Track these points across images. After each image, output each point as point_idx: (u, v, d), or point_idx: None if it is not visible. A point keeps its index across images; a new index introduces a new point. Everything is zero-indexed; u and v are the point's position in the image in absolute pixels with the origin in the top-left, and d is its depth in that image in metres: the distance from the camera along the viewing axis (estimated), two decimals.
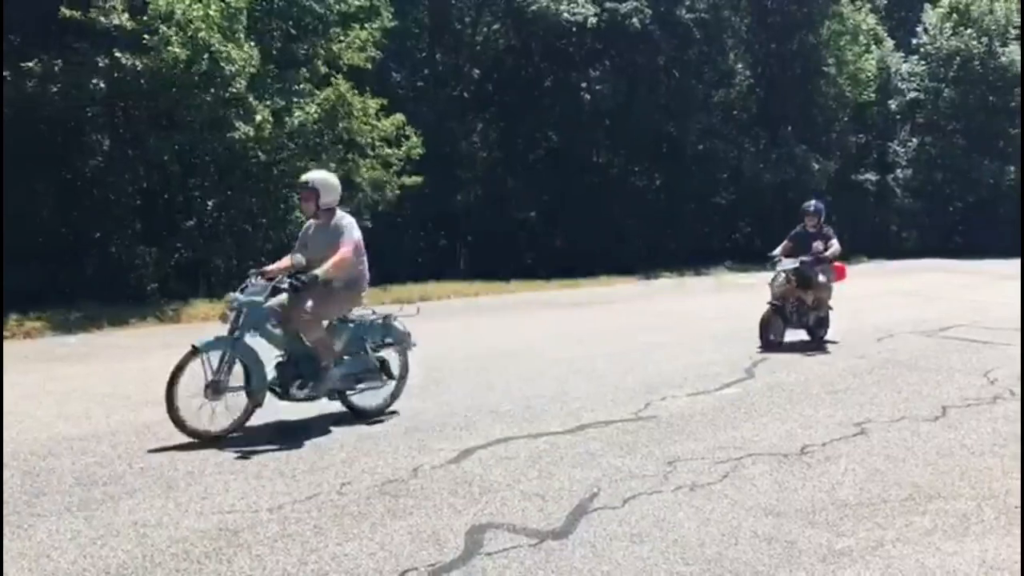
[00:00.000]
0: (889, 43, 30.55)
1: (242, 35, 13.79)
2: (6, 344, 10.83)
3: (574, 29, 20.25)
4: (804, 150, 25.49)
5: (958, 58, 29.61)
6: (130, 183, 14.19)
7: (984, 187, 30.11)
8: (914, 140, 30.84)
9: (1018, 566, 4.20)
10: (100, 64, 13.06)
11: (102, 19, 12.80)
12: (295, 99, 14.62)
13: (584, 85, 21.31)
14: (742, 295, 16.27)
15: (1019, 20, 30.05)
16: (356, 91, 15.27)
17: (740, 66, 25.21)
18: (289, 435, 6.19)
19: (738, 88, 25.60)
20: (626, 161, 23.99)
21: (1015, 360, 9.47)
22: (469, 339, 10.63)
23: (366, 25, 15.81)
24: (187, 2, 13.12)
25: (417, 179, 16.35)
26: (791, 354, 9.63)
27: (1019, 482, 5.37)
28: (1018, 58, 29.67)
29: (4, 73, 12.93)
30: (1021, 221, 17.68)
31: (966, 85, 29.69)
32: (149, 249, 14.26)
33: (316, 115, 14.57)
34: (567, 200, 22.86)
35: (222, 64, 13.17)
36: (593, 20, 20.02)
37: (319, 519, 4.62)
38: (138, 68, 12.94)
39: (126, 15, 12.94)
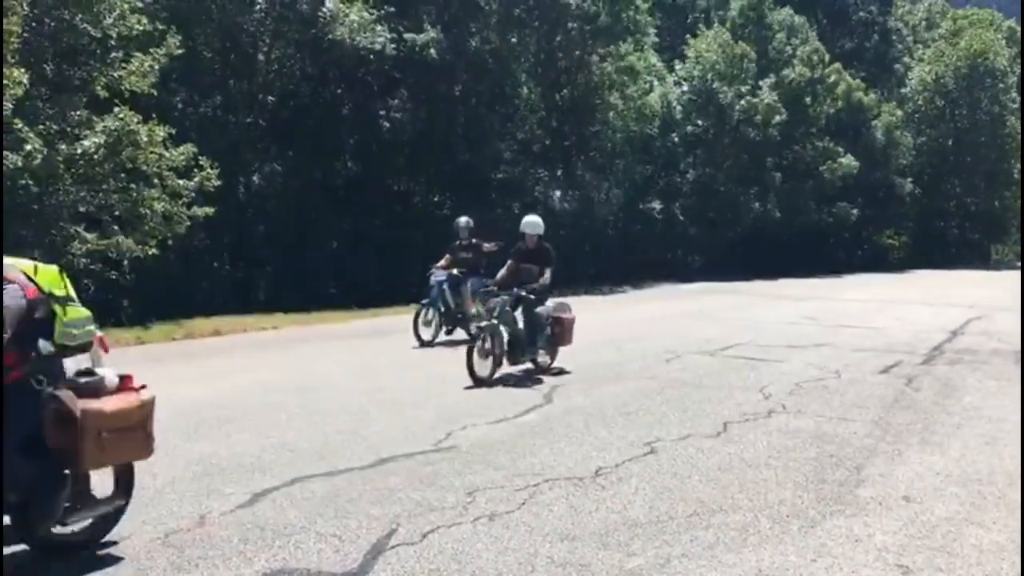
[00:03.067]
0: (670, 79, 32.69)
1: (7, 56, 12.70)
2: None
3: (371, 57, 20.16)
4: (593, 179, 26.67)
5: (711, 104, 32.15)
6: None
7: (748, 217, 32.91)
8: (692, 172, 33.08)
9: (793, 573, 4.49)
10: None
11: None
12: (71, 127, 13.59)
13: (383, 114, 21.23)
14: None
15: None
16: (141, 119, 14.42)
17: (533, 97, 26.09)
18: None
19: (531, 119, 26.45)
20: (427, 190, 24.13)
21: (787, 375, 10.25)
22: (266, 374, 10.22)
23: (151, 50, 15.00)
24: None
25: (208, 210, 15.59)
26: (586, 378, 9.92)
27: (789, 492, 5.78)
28: (769, 100, 32.70)
29: None
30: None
31: (724, 125, 32.28)
32: None
33: (96, 143, 13.62)
34: (370, 229, 22.65)
35: None
36: (391, 49, 20.05)
37: None
38: None
39: None
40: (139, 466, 5.92)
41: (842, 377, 10.26)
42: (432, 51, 21.23)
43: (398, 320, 16.64)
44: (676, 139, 31.60)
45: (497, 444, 6.92)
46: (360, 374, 10.21)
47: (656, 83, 31.25)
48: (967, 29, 46.79)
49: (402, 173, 23.25)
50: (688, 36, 34.75)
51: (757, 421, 7.87)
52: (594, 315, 17.96)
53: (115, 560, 4.51)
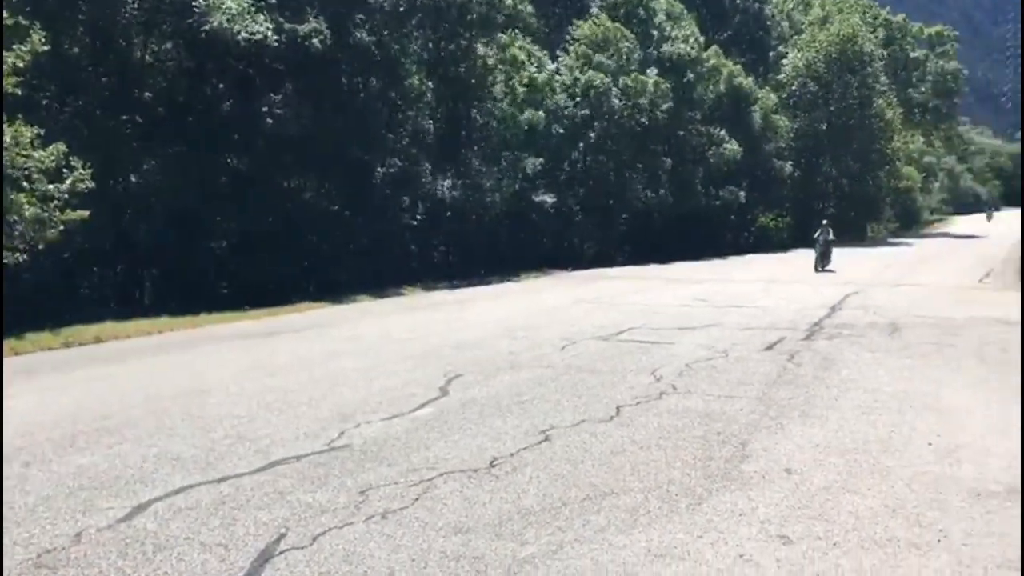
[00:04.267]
0: (551, 67, 32.93)
1: None
2: None
3: (252, 49, 19.57)
4: (483, 172, 26.69)
5: (592, 91, 32.52)
6: None
7: (638, 203, 33.56)
8: (580, 160, 33.46)
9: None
10: None
11: None
12: None
13: (266, 109, 20.65)
14: (436, 314, 16.67)
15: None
16: (6, 120, 13.62)
17: (423, 88, 25.90)
18: None
19: (423, 111, 26.28)
20: (317, 186, 23.65)
21: (678, 357, 10.50)
22: (150, 380, 9.84)
23: (14, 47, 14.16)
24: None
25: (83, 213, 14.84)
26: (482, 370, 9.92)
27: (678, 472, 5.92)
28: (654, 79, 33.45)
29: None
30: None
31: (608, 115, 32.69)
32: None
33: None
34: (260, 228, 22.09)
35: None
36: (272, 40, 19.49)
37: None
38: None
39: None
40: (9, 483, 5.66)
41: (729, 356, 10.57)
42: (315, 42, 20.76)
43: (292, 319, 16.34)
44: (561, 129, 31.85)
45: (392, 440, 6.85)
46: (251, 376, 9.93)
47: (536, 72, 31.52)
48: (836, 15, 48.84)
49: (291, 170, 22.70)
50: (575, 21, 35.10)
51: (649, 403, 8.03)
52: (489, 305, 18.03)
53: None
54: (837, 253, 27.32)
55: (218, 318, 16.73)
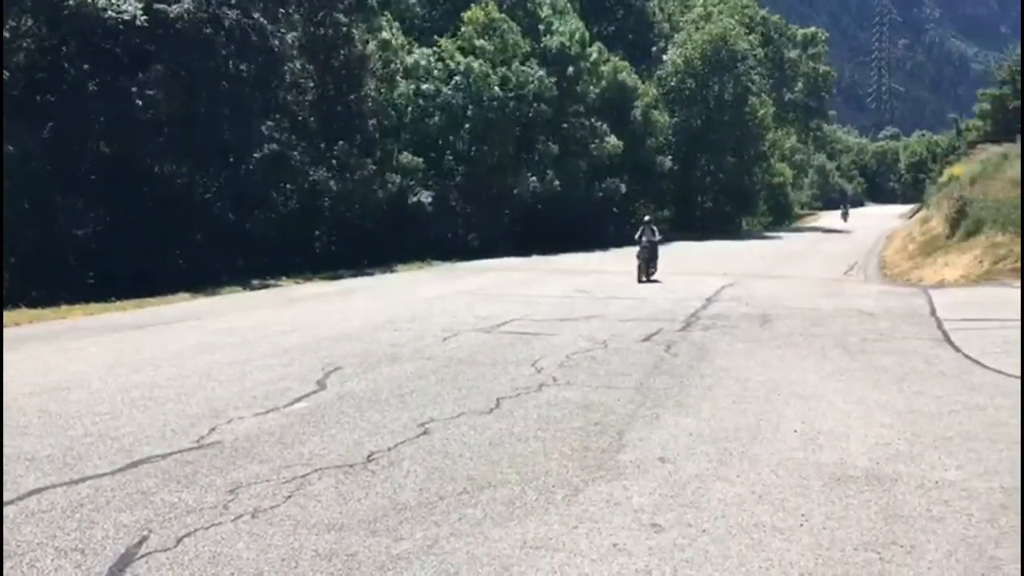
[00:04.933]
0: (428, 51, 32.82)
1: None
2: None
3: (120, 27, 18.61)
4: (363, 162, 26.30)
5: (472, 76, 32.56)
6: None
7: (524, 194, 33.80)
8: (464, 150, 33.46)
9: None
10: None
11: None
12: None
13: (135, 90, 19.68)
14: (316, 305, 16.32)
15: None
16: None
17: (302, 73, 25.31)
18: None
19: (301, 98, 25.68)
20: (191, 172, 22.74)
21: (558, 348, 10.60)
22: (4, 376, 9.23)
23: None
24: None
25: None
26: (362, 363, 9.76)
27: (555, 463, 5.95)
28: (539, 73, 33.70)
29: None
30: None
31: (488, 103, 32.75)
32: None
33: None
34: (129, 214, 21.09)
35: None
36: (142, 19, 18.58)
37: None
38: None
39: None
40: None
41: (608, 347, 10.74)
42: (186, 20, 19.92)
43: (163, 310, 15.68)
44: (440, 116, 31.72)
45: (265, 436, 6.64)
46: (116, 371, 9.46)
47: (414, 58, 31.38)
48: (716, 15, 50.37)
49: (162, 155, 21.75)
50: (461, 14, 35.00)
51: (528, 395, 8.06)
52: (371, 297, 17.78)
53: None
54: (714, 246, 28.11)
55: (83, 310, 15.90)
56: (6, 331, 13.21)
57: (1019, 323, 11.32)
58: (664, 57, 48.33)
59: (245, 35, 21.92)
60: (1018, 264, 17.98)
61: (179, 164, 22.61)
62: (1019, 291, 14.55)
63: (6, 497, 5.24)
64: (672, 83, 47.40)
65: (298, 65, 24.48)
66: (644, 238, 20.77)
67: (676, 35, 50.26)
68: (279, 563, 4.33)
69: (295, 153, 24.22)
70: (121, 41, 19.58)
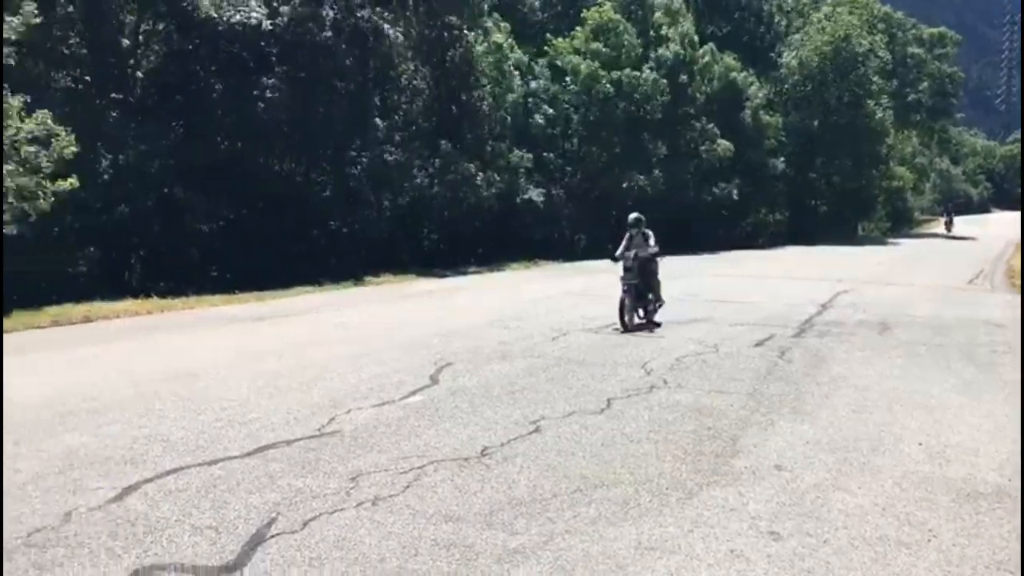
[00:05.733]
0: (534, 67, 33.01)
1: None
2: None
3: (246, 33, 19.44)
4: (473, 163, 26.62)
5: (586, 77, 32.47)
6: None
7: (631, 196, 33.52)
8: (574, 151, 33.47)
9: None
10: None
11: None
12: None
13: (257, 93, 20.50)
14: (425, 302, 16.64)
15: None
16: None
17: (416, 75, 25.80)
18: None
19: (416, 100, 26.19)
20: (307, 170, 23.52)
21: (668, 351, 10.51)
22: (139, 362, 9.78)
23: (7, 18, 14.06)
24: None
25: (73, 181, 14.73)
26: (473, 359, 9.92)
27: (668, 465, 5.92)
28: (652, 77, 33.39)
29: None
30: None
31: (598, 103, 32.63)
32: None
33: None
34: (249, 211, 21.98)
35: None
36: (267, 25, 19.37)
37: None
38: None
39: None
40: None
41: (720, 351, 10.59)
42: (311, 26, 20.65)
43: (280, 304, 16.27)
44: (550, 114, 31.79)
45: (382, 427, 6.83)
46: (241, 360, 9.90)
47: (529, 62, 31.59)
48: (838, 15, 48.78)
49: (281, 154, 22.57)
50: (573, 12, 35.07)
51: (639, 396, 8.04)
52: (478, 295, 18.01)
53: None
54: (830, 251, 27.08)
55: (206, 301, 16.66)
56: (141, 319, 13.99)
57: None
58: (780, 59, 47.14)
59: (363, 38, 22.52)
60: None
61: (296, 163, 23.41)
62: None
63: (146, 475, 5.56)
64: (788, 85, 46.20)
65: (411, 66, 24.95)
66: (631, 252, 12.86)
67: (794, 36, 48.94)
68: (400, 550, 4.46)
69: (405, 153, 24.74)
70: (246, 45, 20.41)
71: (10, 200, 13.80)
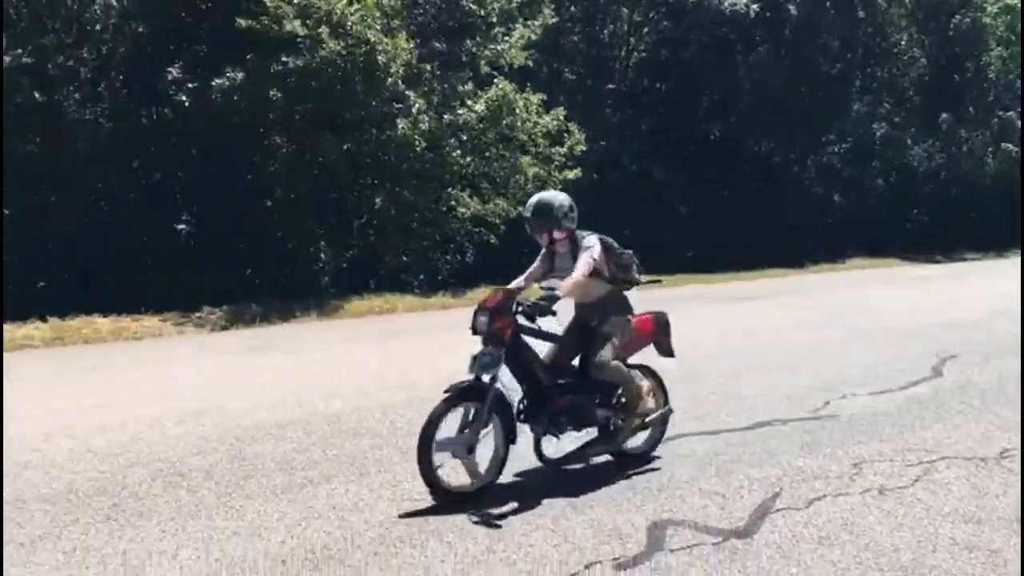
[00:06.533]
0: None
1: (403, 33, 14.30)
2: (201, 335, 11.68)
3: (736, 18, 19.72)
4: (972, 136, 23.88)
5: None
6: (305, 184, 14.94)
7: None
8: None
9: None
10: (272, 70, 13.83)
11: (274, 26, 13.54)
12: (456, 99, 15.03)
13: (743, 72, 20.66)
14: (920, 288, 15.50)
15: None
16: (517, 88, 15.52)
17: (915, 47, 23.89)
18: None
19: (907, 72, 24.30)
20: (785, 149, 23.14)
21: None
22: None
23: (528, 23, 16.00)
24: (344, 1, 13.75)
25: (577, 172, 16.39)
26: (980, 351, 9.05)
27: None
28: None
29: (189, 84, 14.04)
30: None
31: None
32: (324, 246, 14.98)
33: (480, 113, 14.95)
34: (730, 192, 22.32)
35: (378, 56, 13.67)
36: (755, 8, 19.43)
37: (503, 510, 4.73)
38: (302, 67, 13.62)
39: (298, 21, 13.61)
40: None
41: None
42: (791, 7, 20.30)
43: (758, 285, 16.36)
44: None
45: (881, 415, 6.58)
46: (729, 336, 10.21)
47: None
48: None
49: (761, 132, 22.49)
50: None
51: None
52: (983, 282, 16.30)
53: (517, 498, 4.97)
54: None
55: (684, 279, 17.33)
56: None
57: None
58: None
59: (851, 10, 21.52)
60: None
61: (776, 142, 23.20)
62: None
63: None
64: None
65: (906, 36, 23.20)
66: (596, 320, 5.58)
67: None
68: (915, 544, 4.28)
69: (893, 130, 23.15)
70: (733, 27, 20.71)
71: (525, 188, 15.67)
